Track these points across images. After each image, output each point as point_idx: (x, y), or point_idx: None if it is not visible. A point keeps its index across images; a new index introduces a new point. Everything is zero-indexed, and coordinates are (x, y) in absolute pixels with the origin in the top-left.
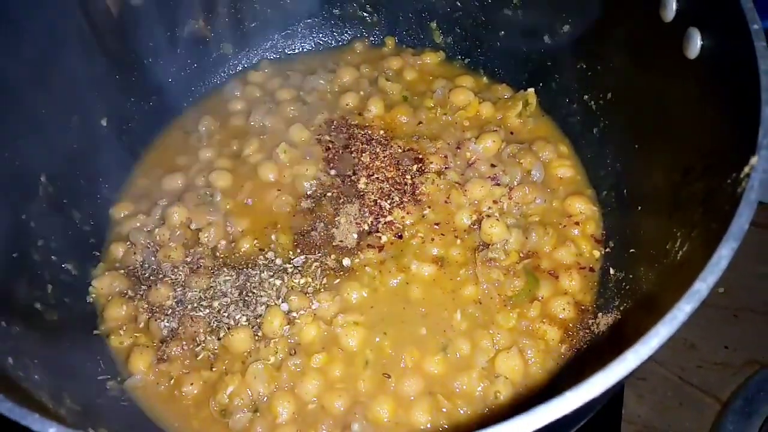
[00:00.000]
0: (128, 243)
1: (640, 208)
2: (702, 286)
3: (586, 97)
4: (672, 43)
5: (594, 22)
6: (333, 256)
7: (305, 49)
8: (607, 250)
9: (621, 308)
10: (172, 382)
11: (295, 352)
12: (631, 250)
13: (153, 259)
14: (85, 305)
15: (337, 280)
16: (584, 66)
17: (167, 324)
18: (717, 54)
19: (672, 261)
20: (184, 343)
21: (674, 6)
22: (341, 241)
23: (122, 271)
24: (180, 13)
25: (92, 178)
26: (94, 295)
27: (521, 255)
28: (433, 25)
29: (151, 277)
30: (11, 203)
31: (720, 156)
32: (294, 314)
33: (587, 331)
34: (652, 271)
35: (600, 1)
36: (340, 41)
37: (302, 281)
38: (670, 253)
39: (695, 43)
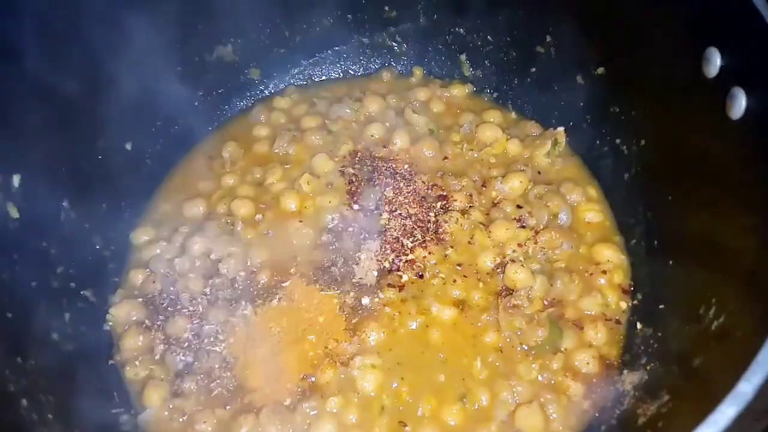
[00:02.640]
0: (148, 270)
1: (671, 262)
2: (747, 388)
3: (618, 140)
4: (714, 101)
5: (630, 68)
6: (352, 294)
7: (332, 76)
8: (635, 302)
9: (648, 367)
10: (185, 418)
11: (311, 394)
12: (661, 306)
13: (172, 289)
14: (101, 334)
15: (356, 319)
16: (617, 110)
17: (183, 358)
18: (763, 117)
19: (705, 329)
20: (200, 377)
21: (718, 62)
22: (361, 278)
23: (140, 299)
24: (209, 38)
25: (114, 202)
26: (111, 323)
27: (545, 303)
28: (463, 57)
29: (169, 308)
30: (34, 231)
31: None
32: (311, 353)
33: (612, 387)
34: (683, 334)
35: (638, 48)
36: (367, 69)
37: (321, 319)
38: (703, 318)
39: (739, 104)
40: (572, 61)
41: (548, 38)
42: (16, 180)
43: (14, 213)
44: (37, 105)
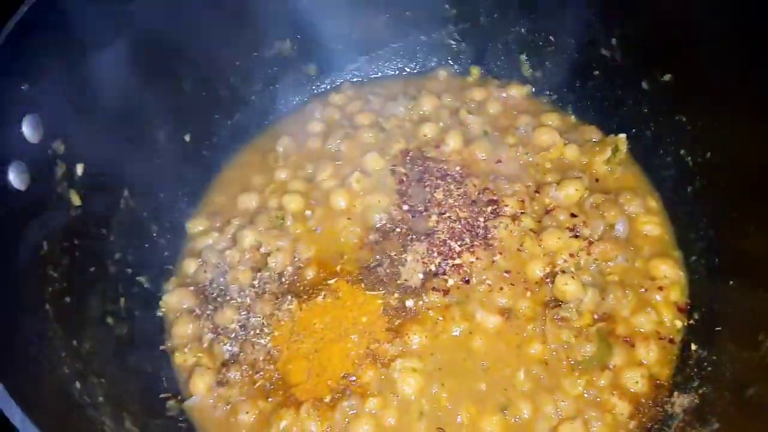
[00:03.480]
0: (200, 260)
1: (732, 283)
2: None
3: (682, 151)
4: None
5: (700, 77)
6: (396, 295)
7: (388, 74)
8: (691, 321)
9: (700, 391)
10: (229, 407)
11: (351, 392)
12: (718, 328)
13: (222, 280)
14: (154, 319)
15: (399, 321)
16: (684, 119)
17: (229, 348)
18: None
19: (763, 357)
20: (244, 368)
21: None
22: (406, 280)
23: (192, 288)
24: (268, 34)
25: (172, 192)
26: (164, 309)
27: (595, 317)
28: (523, 57)
29: (218, 298)
30: (95, 218)
31: None
32: (352, 352)
33: (660, 409)
34: (739, 360)
35: (710, 56)
36: (424, 68)
37: (365, 319)
38: (761, 346)
39: None
40: (638, 65)
41: (614, 41)
42: (79, 169)
43: (76, 200)
44: (103, 95)
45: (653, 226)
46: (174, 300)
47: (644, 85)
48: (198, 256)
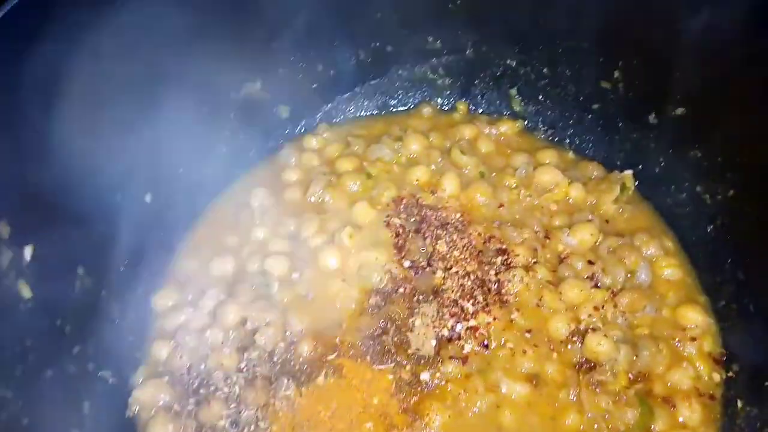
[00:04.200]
0: (173, 342)
1: None
2: None
3: (699, 188)
4: None
5: (718, 110)
6: (408, 368)
7: (368, 113)
8: (730, 374)
9: None
10: None
11: None
12: (766, 383)
13: (203, 366)
14: (124, 422)
15: (415, 398)
16: (699, 155)
17: None
18: None
19: None
20: None
21: None
22: (417, 349)
23: (166, 378)
24: (236, 74)
25: (133, 262)
26: (135, 408)
27: (630, 377)
28: (513, 91)
29: (200, 389)
30: (48, 308)
31: None
32: None
33: None
34: None
35: (729, 87)
36: (406, 104)
37: (376, 400)
38: None
39: None
40: (644, 99)
41: (617, 73)
42: (27, 252)
43: (26, 292)
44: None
45: (673, 269)
46: (146, 395)
47: (651, 119)
48: (170, 338)
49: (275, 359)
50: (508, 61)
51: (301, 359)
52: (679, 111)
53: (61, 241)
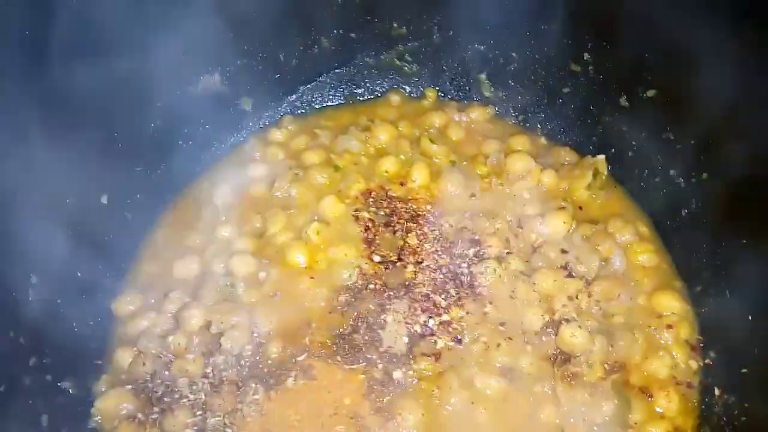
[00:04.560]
0: (136, 349)
1: (750, 317)
2: None
3: (672, 172)
4: None
5: (691, 91)
6: (380, 366)
7: (334, 103)
8: (707, 361)
9: None
10: None
11: None
12: (743, 370)
13: (166, 373)
14: None
15: (387, 397)
16: (672, 137)
17: None
18: None
19: None
20: None
21: None
22: (390, 347)
23: (130, 386)
24: (193, 67)
25: (91, 267)
26: (98, 418)
27: (606, 367)
28: (483, 76)
29: (164, 397)
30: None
31: None
32: None
33: None
34: None
35: (701, 67)
36: (373, 93)
37: (348, 401)
38: None
39: None
40: (615, 81)
41: (586, 56)
42: None
43: None
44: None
45: (649, 255)
46: (109, 404)
47: (623, 101)
48: (132, 345)
49: (242, 363)
50: (476, 46)
51: (269, 361)
52: (650, 93)
53: (9, 249)
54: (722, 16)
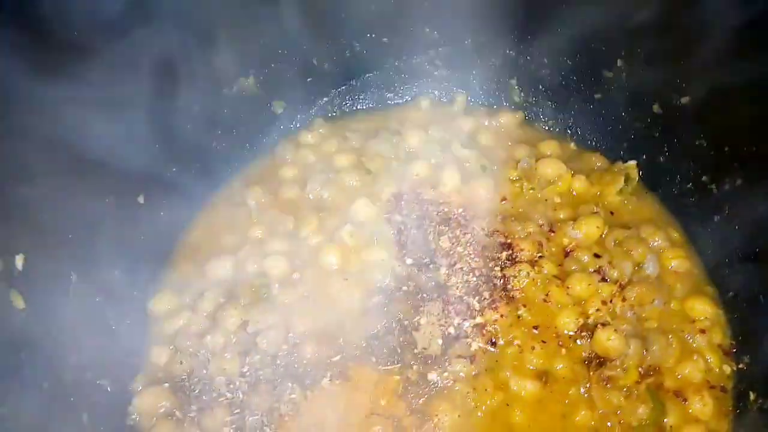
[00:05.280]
0: (172, 347)
1: None
2: None
3: (705, 178)
4: None
5: (726, 100)
6: (415, 368)
7: (364, 107)
8: (741, 366)
9: None
10: None
11: None
12: None
13: (204, 372)
14: (124, 431)
15: (423, 399)
16: (705, 144)
17: None
18: None
19: None
20: None
21: None
22: (424, 349)
23: (167, 384)
24: (229, 70)
25: (128, 266)
26: (135, 416)
27: (640, 371)
28: (513, 81)
29: (203, 395)
30: (42, 318)
31: None
32: None
33: None
34: None
35: (738, 76)
36: (403, 97)
37: (383, 402)
38: None
39: None
40: (648, 88)
41: (619, 62)
42: (19, 262)
43: (19, 303)
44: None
45: (680, 260)
46: (147, 402)
47: (656, 108)
48: (169, 343)
49: (278, 362)
50: (507, 51)
51: (304, 362)
52: (684, 100)
53: (52, 247)
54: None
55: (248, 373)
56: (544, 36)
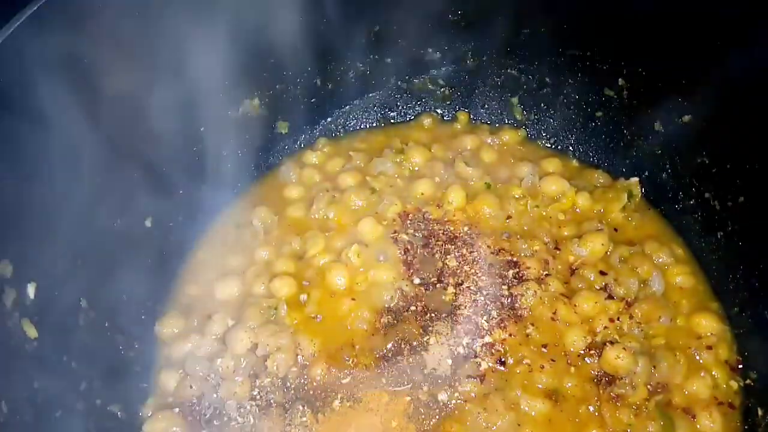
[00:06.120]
0: (181, 371)
1: None
2: None
3: (707, 195)
4: None
5: (728, 118)
6: (425, 389)
7: (367, 126)
8: (748, 382)
9: None
10: None
11: None
12: None
13: (214, 396)
14: None
15: (434, 420)
16: (707, 161)
17: None
18: None
19: None
20: None
21: None
22: (434, 369)
23: (177, 409)
24: (234, 92)
25: (135, 290)
26: None
27: (649, 388)
28: (515, 100)
29: (213, 420)
30: (53, 346)
31: None
32: None
33: None
34: None
35: (740, 96)
36: (406, 116)
37: (394, 424)
38: None
39: None
40: (649, 106)
41: (621, 81)
42: (31, 290)
43: (32, 332)
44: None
45: (685, 276)
46: (157, 427)
47: (657, 126)
48: (178, 367)
49: (288, 385)
50: (509, 70)
51: (315, 384)
52: (686, 118)
53: (63, 274)
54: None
55: (259, 397)
56: (545, 55)
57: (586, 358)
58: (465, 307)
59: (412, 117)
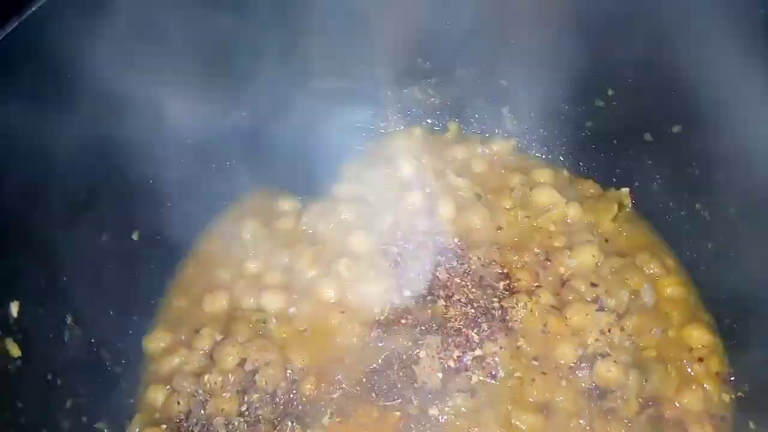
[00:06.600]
0: (168, 388)
1: None
2: None
3: (698, 205)
4: None
5: (718, 128)
6: (416, 403)
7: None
8: (740, 394)
9: None
10: None
11: None
12: None
13: (202, 412)
14: None
15: None
16: (697, 172)
17: None
18: None
19: None
20: None
21: None
22: (424, 383)
23: (164, 425)
24: (223, 104)
25: (122, 305)
26: None
27: (640, 401)
28: (505, 110)
29: None
30: (38, 364)
31: None
32: None
33: None
34: None
35: (730, 106)
36: (395, 126)
37: None
38: None
39: None
40: (640, 117)
41: (610, 91)
42: (14, 308)
43: (15, 351)
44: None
45: (675, 287)
46: None
47: (647, 137)
48: (165, 383)
49: (277, 400)
50: (499, 81)
51: (304, 399)
52: (676, 129)
53: (47, 291)
54: (749, 52)
55: (247, 413)
56: (535, 66)
57: (577, 371)
58: (455, 320)
59: (402, 127)
